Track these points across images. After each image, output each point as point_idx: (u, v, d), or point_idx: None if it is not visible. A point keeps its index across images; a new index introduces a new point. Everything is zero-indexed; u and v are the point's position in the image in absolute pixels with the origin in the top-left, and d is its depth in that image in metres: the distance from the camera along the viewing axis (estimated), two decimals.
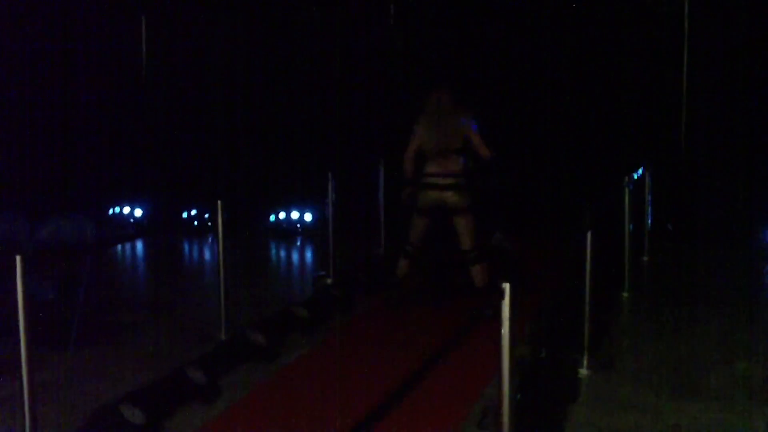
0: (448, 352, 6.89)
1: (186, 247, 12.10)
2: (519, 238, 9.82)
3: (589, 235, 6.23)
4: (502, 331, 4.18)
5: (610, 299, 8.18)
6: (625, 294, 8.59)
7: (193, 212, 12.68)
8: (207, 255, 11.59)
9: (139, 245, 12.34)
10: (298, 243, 11.95)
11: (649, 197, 9.97)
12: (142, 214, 13.22)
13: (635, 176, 9.19)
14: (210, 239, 12.08)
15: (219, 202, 7.24)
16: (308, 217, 12.21)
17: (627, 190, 8.50)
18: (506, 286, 4.14)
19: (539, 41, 11.87)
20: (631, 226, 8.62)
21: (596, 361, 6.47)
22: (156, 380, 6.05)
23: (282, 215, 12.29)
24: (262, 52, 12.98)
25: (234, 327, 7.24)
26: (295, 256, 11.51)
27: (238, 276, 9.15)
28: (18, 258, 4.61)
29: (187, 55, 13.34)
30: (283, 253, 11.60)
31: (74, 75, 13.32)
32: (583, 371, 6.36)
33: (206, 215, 12.52)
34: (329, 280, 9.14)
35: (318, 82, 12.75)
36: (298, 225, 12.26)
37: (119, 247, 11.91)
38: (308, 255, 11.49)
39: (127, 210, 13.29)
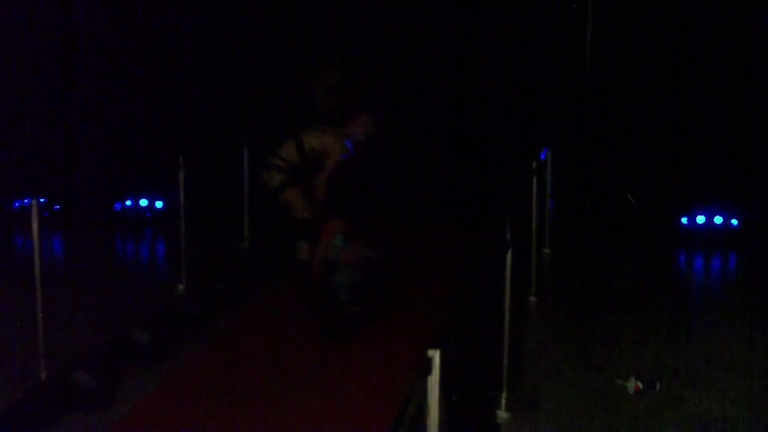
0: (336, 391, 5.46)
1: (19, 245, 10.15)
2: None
3: (509, 254, 4.91)
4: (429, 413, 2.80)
5: (518, 306, 6.92)
6: (533, 299, 7.39)
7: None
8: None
9: None
10: (148, 237, 10.23)
11: (550, 181, 8.76)
12: None
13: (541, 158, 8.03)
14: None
15: (33, 201, 5.56)
16: (159, 204, 10.49)
17: (534, 176, 7.33)
18: (434, 354, 2.76)
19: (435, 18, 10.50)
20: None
21: (516, 398, 5.21)
22: None
23: (128, 203, 10.53)
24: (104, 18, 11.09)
25: (58, 359, 5.63)
26: (141, 255, 9.81)
27: (67, 284, 7.68)
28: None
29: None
30: (127, 251, 9.87)
31: None
32: (503, 414, 5.09)
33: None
34: (180, 288, 7.57)
35: (170, 51, 10.98)
36: (148, 214, 10.52)
37: None
38: (159, 253, 9.81)
39: None
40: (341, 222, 6.38)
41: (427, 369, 2.74)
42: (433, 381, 2.78)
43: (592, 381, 5.72)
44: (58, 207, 10.56)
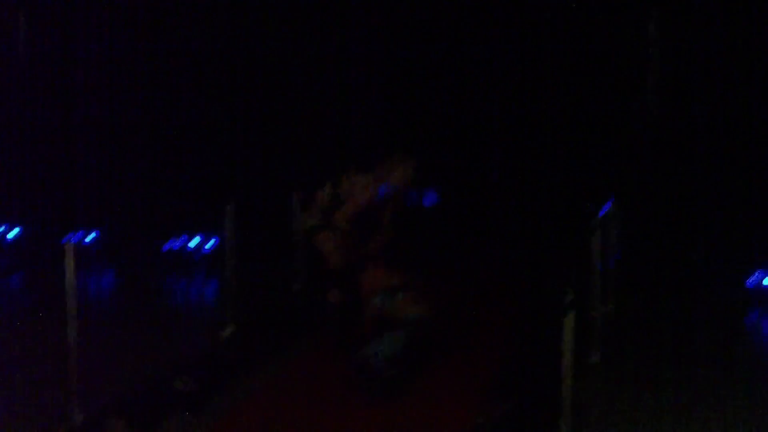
0: None
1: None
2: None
3: (569, 318, 4.58)
4: None
5: (579, 367, 6.54)
6: (594, 359, 6.99)
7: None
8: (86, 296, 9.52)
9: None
10: (196, 277, 10.03)
11: (615, 234, 8.38)
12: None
13: (603, 212, 7.69)
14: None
15: (68, 244, 5.36)
16: (209, 245, 10.29)
17: (597, 231, 6.98)
18: None
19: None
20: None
21: None
22: None
23: (178, 243, 10.36)
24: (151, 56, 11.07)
25: (95, 404, 5.41)
26: (189, 296, 9.59)
27: (106, 325, 7.49)
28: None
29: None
30: (174, 292, 9.65)
31: None
32: None
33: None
34: (228, 331, 7.32)
35: (222, 92, 10.93)
36: (195, 255, 10.32)
37: None
38: (207, 295, 9.59)
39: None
40: (381, 273, 6.06)
41: None
42: None
43: None
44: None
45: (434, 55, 10.52)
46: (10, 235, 11.08)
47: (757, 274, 9.11)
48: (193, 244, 10.27)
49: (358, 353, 5.77)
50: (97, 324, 7.32)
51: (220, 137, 10.87)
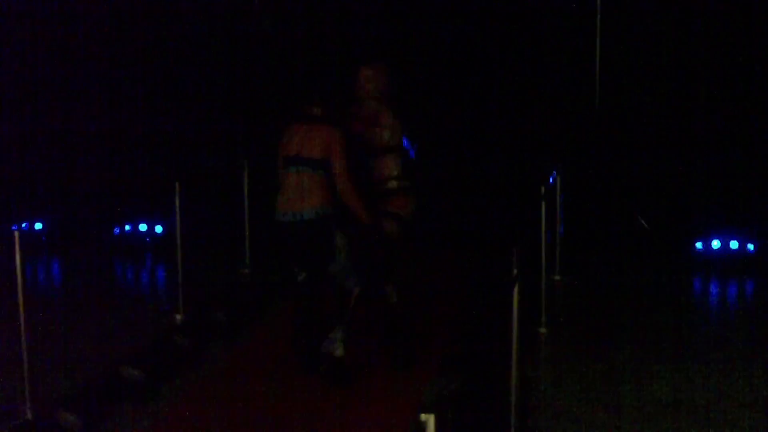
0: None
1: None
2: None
3: (516, 288, 4.63)
4: None
5: (528, 338, 6.64)
6: (543, 330, 7.10)
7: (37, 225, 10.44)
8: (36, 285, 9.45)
9: None
10: (147, 263, 9.98)
11: (560, 205, 8.48)
12: None
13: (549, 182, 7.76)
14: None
15: (15, 231, 5.31)
16: (159, 229, 10.23)
17: (543, 201, 7.06)
18: (428, 418, 2.50)
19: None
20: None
21: None
22: None
23: (127, 227, 10.28)
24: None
25: (46, 397, 5.39)
26: (139, 282, 9.54)
27: (56, 313, 7.49)
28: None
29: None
30: (125, 278, 9.61)
31: None
32: None
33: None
34: (178, 318, 7.31)
35: (169, 74, 10.82)
36: (147, 239, 10.27)
37: None
38: (158, 280, 9.54)
39: None
40: None
41: None
42: None
43: (604, 419, 5.44)
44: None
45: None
46: None
47: (703, 239, 9.29)
48: (144, 228, 10.20)
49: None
50: (45, 313, 7.29)
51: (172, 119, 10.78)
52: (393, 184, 6.04)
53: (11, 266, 5.29)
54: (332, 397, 5.49)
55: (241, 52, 10.83)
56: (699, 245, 9.27)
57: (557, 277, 8.55)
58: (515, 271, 4.72)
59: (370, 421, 5.12)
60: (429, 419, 2.51)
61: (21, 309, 5.31)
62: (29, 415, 5.29)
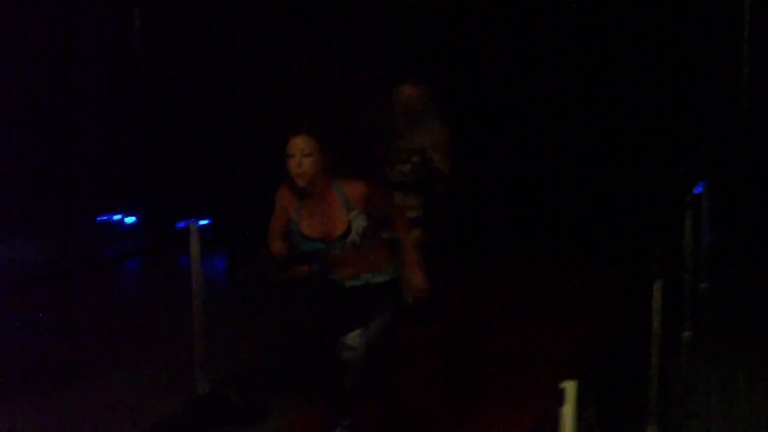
0: None
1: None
2: None
3: (658, 285, 4.80)
4: None
5: (671, 342, 6.73)
6: (687, 333, 7.17)
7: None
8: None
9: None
10: None
11: (707, 214, 8.49)
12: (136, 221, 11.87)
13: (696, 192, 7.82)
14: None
15: (191, 225, 5.86)
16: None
17: (688, 209, 7.15)
18: (569, 385, 2.76)
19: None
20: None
21: None
22: None
23: None
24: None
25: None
26: None
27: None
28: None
29: None
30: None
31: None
32: None
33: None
34: None
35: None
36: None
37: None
38: None
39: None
40: None
41: (560, 401, 2.73)
42: (566, 413, 2.75)
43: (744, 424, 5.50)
44: None
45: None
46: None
47: None
48: None
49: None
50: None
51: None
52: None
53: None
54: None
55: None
56: None
57: (703, 285, 8.55)
58: (656, 268, 4.86)
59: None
60: (570, 386, 2.68)
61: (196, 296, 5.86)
62: (202, 391, 5.84)
